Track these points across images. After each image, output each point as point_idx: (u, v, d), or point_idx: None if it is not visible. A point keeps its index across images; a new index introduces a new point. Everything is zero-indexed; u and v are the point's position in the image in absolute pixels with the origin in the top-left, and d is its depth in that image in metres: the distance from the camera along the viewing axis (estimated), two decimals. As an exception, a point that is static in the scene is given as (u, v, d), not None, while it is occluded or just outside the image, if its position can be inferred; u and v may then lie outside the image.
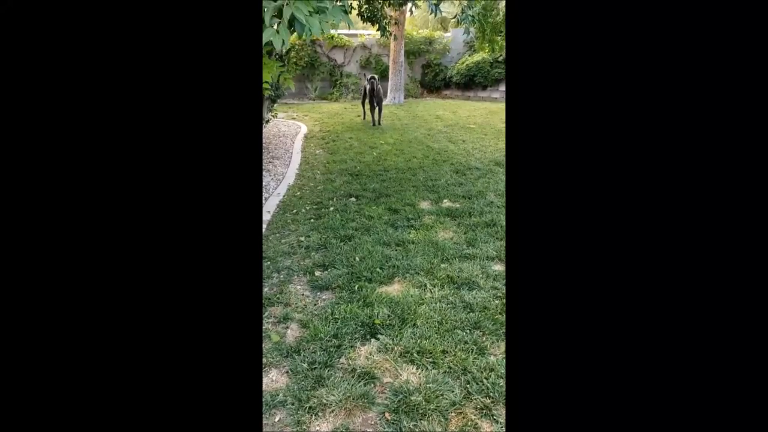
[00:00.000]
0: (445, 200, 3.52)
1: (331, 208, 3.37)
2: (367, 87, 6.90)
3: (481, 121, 7.51)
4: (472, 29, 4.05)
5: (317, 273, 2.39)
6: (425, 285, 2.22)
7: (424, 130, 6.65)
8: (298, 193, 3.79)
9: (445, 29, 14.14)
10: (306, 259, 2.57)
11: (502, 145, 5.59)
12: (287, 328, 1.93)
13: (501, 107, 9.18)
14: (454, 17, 4.19)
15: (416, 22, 14.56)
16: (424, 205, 3.45)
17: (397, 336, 1.82)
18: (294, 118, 8.01)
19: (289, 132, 6.62)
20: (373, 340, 1.81)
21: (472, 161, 4.74)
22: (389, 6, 5.33)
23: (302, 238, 2.84)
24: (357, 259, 2.51)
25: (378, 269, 2.37)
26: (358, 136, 6.22)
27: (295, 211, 3.36)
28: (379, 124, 7.03)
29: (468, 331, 1.84)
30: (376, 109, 6.99)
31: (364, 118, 7.52)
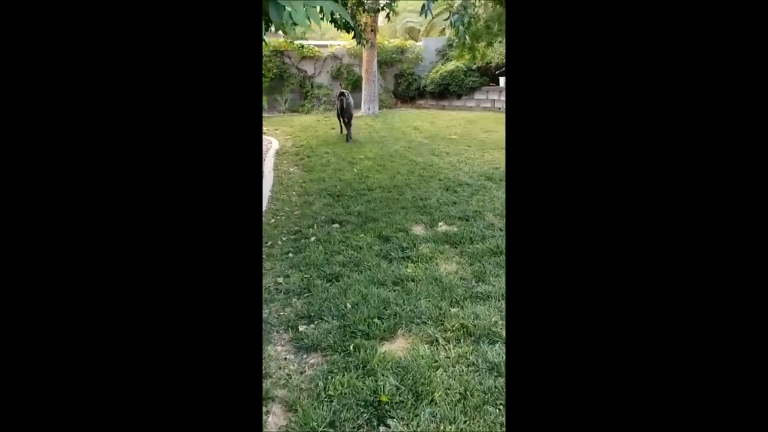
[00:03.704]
0: (440, 223, 3.15)
1: (312, 238, 2.94)
2: (337, 104, 6.45)
3: (461, 131, 7.25)
4: (463, 30, 3.75)
5: (302, 328, 1.96)
6: (436, 339, 1.82)
7: (404, 143, 6.31)
8: (273, 220, 3.33)
9: (415, 39, 14.01)
10: (286, 308, 2.12)
11: (488, 157, 5.32)
12: (267, 412, 1.49)
13: (479, 116, 9.00)
14: (447, 19, 3.89)
15: (385, 33, 14.32)
16: (418, 229, 3.07)
17: (412, 419, 1.41)
18: (264, 133, 7.50)
19: (259, 148, 6.13)
20: (382, 427, 1.40)
21: (461, 176, 4.41)
22: (364, 12, 5.00)
23: (280, 280, 2.40)
24: (348, 306, 2.09)
25: (376, 319, 1.96)
26: (334, 151, 5.81)
27: (269, 243, 2.91)
28: (349, 140, 6.49)
29: (501, 406, 1.45)
30: (348, 124, 6.53)
31: (341, 131, 7.08)
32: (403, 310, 2.03)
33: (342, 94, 6.37)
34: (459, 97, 10.66)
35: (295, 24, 0.97)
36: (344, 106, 6.33)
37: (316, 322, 1.99)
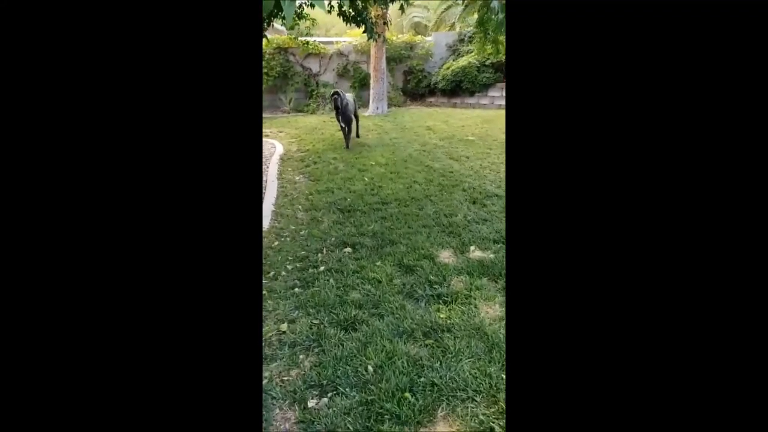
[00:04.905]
0: (472, 247, 2.68)
1: (322, 267, 2.50)
2: (331, 105, 5.56)
3: (478, 131, 6.77)
4: (499, 15, 3.28)
5: (311, 403, 1.51)
6: (491, 428, 1.37)
7: (418, 146, 5.85)
8: (276, 243, 2.90)
9: (422, 35, 13.48)
10: (291, 371, 1.68)
11: (513, 161, 4.84)
12: None
13: (495, 115, 8.49)
14: (485, 3, 3.42)
15: (392, 29, 13.80)
16: (446, 256, 2.61)
17: None
18: (267, 135, 7.07)
19: (263, 153, 5.70)
20: None
21: (488, 185, 3.94)
22: (374, 4, 4.53)
23: (284, 327, 1.96)
24: (370, 369, 1.64)
25: (407, 393, 1.51)
26: (342, 156, 5.36)
27: (272, 273, 2.47)
28: (354, 139, 5.83)
29: None
30: (346, 128, 5.70)
31: (345, 142, 6.44)
32: (441, 378, 1.58)
33: (336, 93, 5.43)
34: (472, 94, 10.16)
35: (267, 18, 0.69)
36: (339, 106, 5.39)
37: (329, 394, 1.55)
